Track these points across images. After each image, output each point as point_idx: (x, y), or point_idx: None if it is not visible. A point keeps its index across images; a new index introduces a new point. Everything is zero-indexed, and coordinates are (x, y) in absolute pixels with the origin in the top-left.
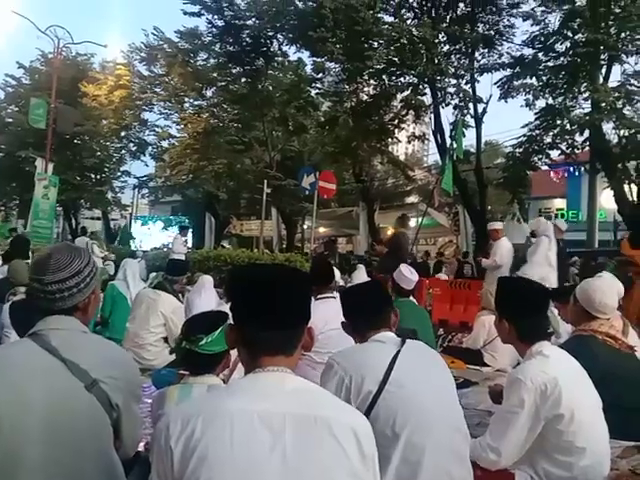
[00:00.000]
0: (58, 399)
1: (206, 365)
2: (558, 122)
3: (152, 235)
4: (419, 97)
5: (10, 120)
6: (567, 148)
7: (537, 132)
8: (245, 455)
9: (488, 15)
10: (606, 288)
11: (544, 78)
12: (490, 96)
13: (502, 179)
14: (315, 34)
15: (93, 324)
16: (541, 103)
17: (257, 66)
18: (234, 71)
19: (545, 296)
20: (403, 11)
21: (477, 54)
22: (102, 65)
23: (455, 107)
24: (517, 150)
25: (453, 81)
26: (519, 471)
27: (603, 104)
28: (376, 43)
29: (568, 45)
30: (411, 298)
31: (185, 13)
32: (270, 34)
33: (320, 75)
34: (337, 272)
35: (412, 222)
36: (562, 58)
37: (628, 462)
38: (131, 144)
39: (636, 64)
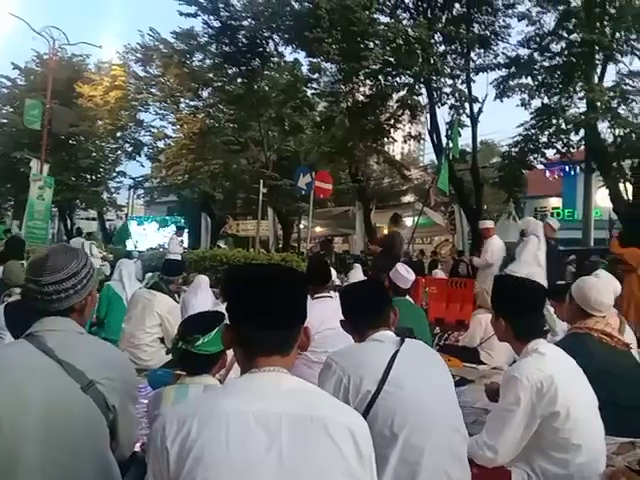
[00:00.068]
0: (55, 400)
1: (202, 365)
2: (554, 121)
3: (148, 235)
4: (415, 97)
5: (5, 121)
6: (562, 147)
7: (533, 131)
8: (241, 455)
9: (484, 15)
10: (602, 286)
11: (539, 78)
12: (486, 96)
13: (498, 178)
14: (311, 34)
15: (89, 325)
16: (537, 103)
17: (253, 66)
18: (230, 71)
19: (541, 294)
20: (399, 12)
21: (473, 54)
22: (97, 66)
23: (451, 107)
24: (513, 149)
25: (449, 81)
26: (515, 468)
27: (598, 103)
28: (372, 43)
29: (563, 45)
30: (407, 297)
31: (181, 14)
32: (266, 34)
33: (316, 75)
34: (333, 272)
35: (408, 221)
36: (557, 58)
37: (624, 458)
38: (127, 145)
39: (631, 64)
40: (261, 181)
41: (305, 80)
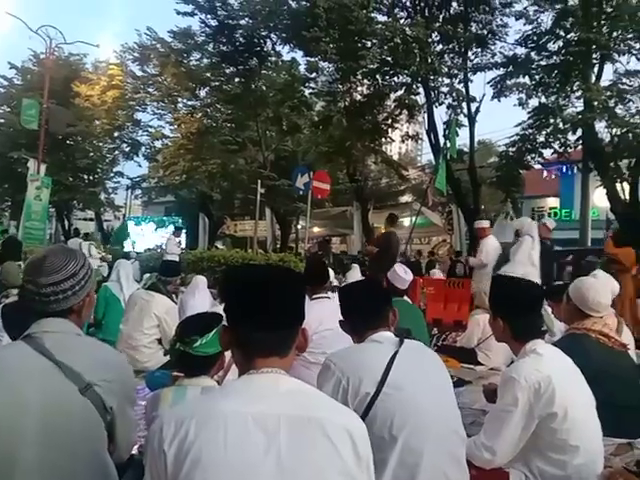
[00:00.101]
0: (53, 402)
1: (200, 367)
2: (551, 121)
3: (145, 236)
4: (412, 97)
5: (2, 121)
6: (560, 147)
7: (530, 131)
8: (239, 457)
9: (481, 14)
10: (599, 286)
11: (537, 77)
12: (483, 95)
13: (495, 178)
14: (308, 34)
15: (86, 326)
16: (534, 102)
17: (250, 66)
18: (227, 71)
19: (539, 294)
20: (396, 11)
21: (470, 53)
22: (95, 65)
23: (448, 106)
24: (510, 149)
25: (446, 80)
26: (513, 470)
27: (595, 103)
28: (369, 43)
29: (560, 44)
30: (405, 297)
31: (178, 13)
32: (263, 34)
33: (314, 75)
34: (331, 272)
35: (406, 221)
36: (555, 57)
37: (622, 459)
38: (124, 145)
39: (628, 63)
40: (259, 181)
41: (303, 79)
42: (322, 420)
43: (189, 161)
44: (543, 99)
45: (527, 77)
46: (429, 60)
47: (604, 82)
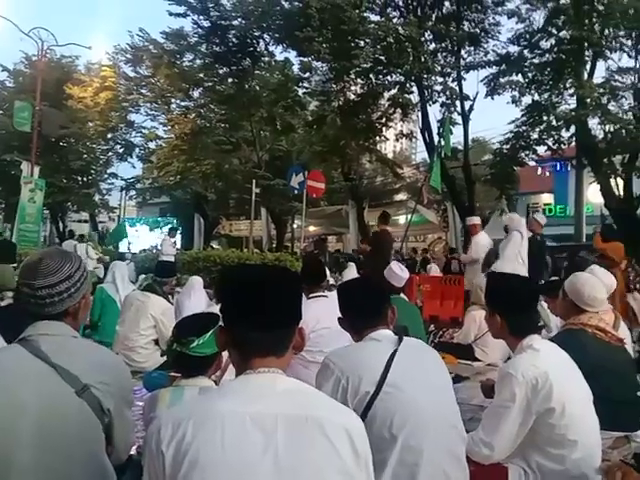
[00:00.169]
0: (49, 404)
1: (197, 367)
2: (544, 118)
3: (140, 237)
4: (406, 95)
5: None
6: (554, 144)
7: (524, 128)
8: (237, 457)
9: (473, 13)
10: (595, 282)
11: (530, 75)
12: (477, 93)
13: (490, 175)
14: (301, 34)
15: (82, 328)
16: (527, 100)
17: (244, 66)
18: (221, 71)
19: (536, 290)
20: (389, 10)
21: (463, 52)
22: (87, 67)
23: (442, 105)
24: (504, 146)
25: (440, 79)
26: (512, 465)
27: (588, 100)
28: (363, 42)
29: (553, 42)
30: (402, 295)
31: (170, 14)
32: (256, 34)
33: (307, 74)
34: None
35: (401, 219)
36: (547, 55)
37: (619, 452)
38: (118, 146)
39: (620, 60)
40: (254, 181)
41: (296, 79)
42: (320, 419)
43: (183, 162)
44: (536, 97)
45: (520, 75)
46: (422, 59)
47: (597, 79)
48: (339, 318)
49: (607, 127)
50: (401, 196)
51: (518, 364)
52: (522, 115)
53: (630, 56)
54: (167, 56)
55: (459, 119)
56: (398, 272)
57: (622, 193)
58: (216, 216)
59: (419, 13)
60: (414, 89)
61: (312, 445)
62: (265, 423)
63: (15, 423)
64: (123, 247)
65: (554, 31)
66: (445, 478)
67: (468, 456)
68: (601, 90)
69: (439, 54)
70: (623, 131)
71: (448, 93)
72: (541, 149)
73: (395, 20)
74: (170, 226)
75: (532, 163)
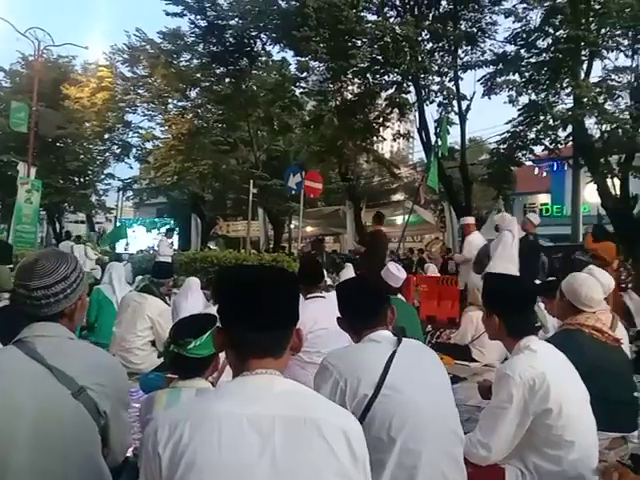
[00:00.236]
0: (45, 406)
1: (195, 369)
2: (541, 118)
3: (137, 238)
4: (403, 95)
5: None
6: (550, 143)
7: (521, 128)
8: (234, 459)
9: (470, 12)
10: (592, 282)
11: (527, 74)
12: (474, 93)
13: (487, 175)
14: (299, 33)
15: (79, 329)
16: (524, 99)
17: (241, 66)
18: (218, 71)
19: (533, 291)
20: (386, 9)
21: (460, 51)
22: (84, 67)
23: (439, 104)
24: (501, 146)
25: (437, 79)
26: (509, 466)
27: (585, 99)
28: (360, 42)
29: (550, 41)
30: (399, 295)
31: (167, 14)
32: (253, 34)
33: (304, 74)
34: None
35: (399, 219)
36: (544, 54)
37: (616, 453)
38: (115, 146)
39: (616, 59)
40: (251, 181)
41: (293, 79)
42: (318, 421)
43: (180, 162)
44: (533, 96)
45: (517, 74)
46: (419, 58)
47: (593, 79)
48: (338, 318)
49: (604, 127)
50: (398, 196)
51: (515, 365)
52: (519, 115)
53: (627, 55)
54: (164, 56)
55: (456, 119)
56: (395, 272)
57: (619, 193)
58: (213, 217)
59: (416, 12)
60: (411, 89)
61: (310, 447)
62: (262, 425)
63: (11, 425)
64: (120, 248)
65: (551, 30)
66: (443, 479)
67: (465, 457)
68: (598, 89)
69: (436, 53)
70: (620, 131)
71: (445, 93)
72: (538, 149)
73: (392, 19)
74: (167, 227)
75: (529, 163)
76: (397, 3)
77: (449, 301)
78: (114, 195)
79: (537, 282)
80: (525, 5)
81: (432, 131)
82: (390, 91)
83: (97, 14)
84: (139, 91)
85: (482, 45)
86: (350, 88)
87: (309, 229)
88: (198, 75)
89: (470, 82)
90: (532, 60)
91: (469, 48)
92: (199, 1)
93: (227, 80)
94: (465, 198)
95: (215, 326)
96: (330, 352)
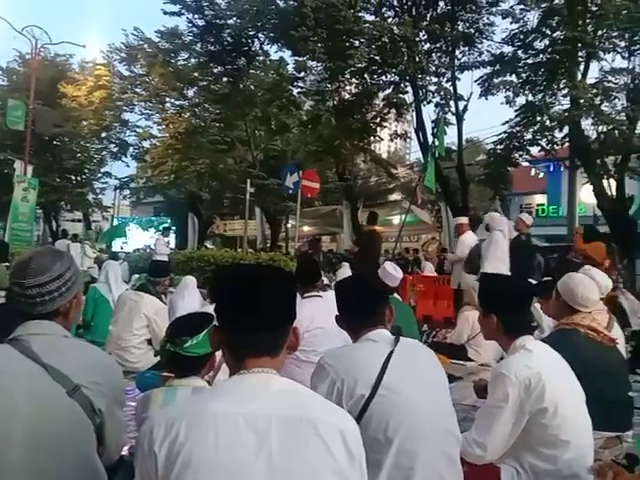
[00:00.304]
0: (40, 404)
1: (191, 367)
2: (538, 119)
3: (134, 236)
4: (401, 95)
5: None
6: (547, 144)
7: (517, 129)
8: (230, 458)
9: (468, 13)
10: (588, 282)
11: (524, 75)
12: (471, 94)
13: (483, 176)
14: (296, 33)
15: (75, 327)
16: (521, 100)
17: (238, 65)
18: (215, 71)
19: (530, 290)
20: (384, 10)
21: (457, 52)
22: (81, 65)
23: (436, 105)
24: (498, 147)
25: (434, 79)
26: (505, 465)
27: (582, 100)
28: (357, 42)
29: (547, 43)
30: (396, 295)
31: (165, 13)
32: (251, 33)
33: (302, 74)
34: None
35: (396, 219)
36: (541, 55)
37: (611, 452)
38: (112, 145)
39: (613, 61)
40: (248, 180)
41: (291, 79)
42: (314, 420)
43: (177, 161)
44: (530, 97)
45: (514, 75)
46: (417, 59)
47: (590, 80)
48: (337, 316)
49: (600, 128)
50: (395, 196)
51: (511, 364)
52: (516, 115)
53: (623, 57)
54: (162, 55)
55: (453, 119)
56: (392, 272)
57: (615, 194)
58: (210, 215)
59: (414, 13)
60: (409, 89)
61: (306, 446)
62: (259, 424)
63: (6, 424)
64: (116, 246)
65: (548, 32)
66: (439, 479)
67: (461, 457)
68: (594, 91)
69: (434, 54)
70: (616, 132)
71: (442, 93)
72: (534, 150)
73: (390, 20)
74: (164, 225)
75: (525, 164)
76: (395, 3)
77: (445, 301)
78: (111, 194)
79: (532, 282)
80: (522, 6)
81: (429, 131)
82: (388, 91)
83: (95, 13)
84: (136, 90)
85: (479, 46)
86: (348, 88)
87: (306, 228)
88: (196, 74)
89: (467, 83)
90: (529, 61)
91: (466, 49)
92: (197, 0)
93: (225, 79)
94: (462, 198)
95: (211, 325)
96: (327, 352)
